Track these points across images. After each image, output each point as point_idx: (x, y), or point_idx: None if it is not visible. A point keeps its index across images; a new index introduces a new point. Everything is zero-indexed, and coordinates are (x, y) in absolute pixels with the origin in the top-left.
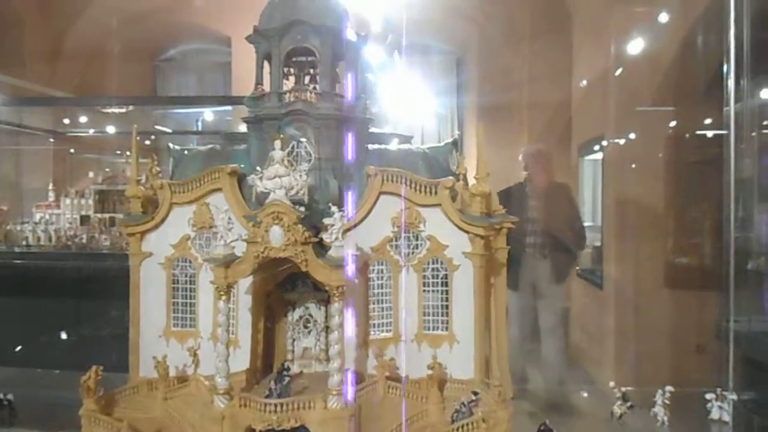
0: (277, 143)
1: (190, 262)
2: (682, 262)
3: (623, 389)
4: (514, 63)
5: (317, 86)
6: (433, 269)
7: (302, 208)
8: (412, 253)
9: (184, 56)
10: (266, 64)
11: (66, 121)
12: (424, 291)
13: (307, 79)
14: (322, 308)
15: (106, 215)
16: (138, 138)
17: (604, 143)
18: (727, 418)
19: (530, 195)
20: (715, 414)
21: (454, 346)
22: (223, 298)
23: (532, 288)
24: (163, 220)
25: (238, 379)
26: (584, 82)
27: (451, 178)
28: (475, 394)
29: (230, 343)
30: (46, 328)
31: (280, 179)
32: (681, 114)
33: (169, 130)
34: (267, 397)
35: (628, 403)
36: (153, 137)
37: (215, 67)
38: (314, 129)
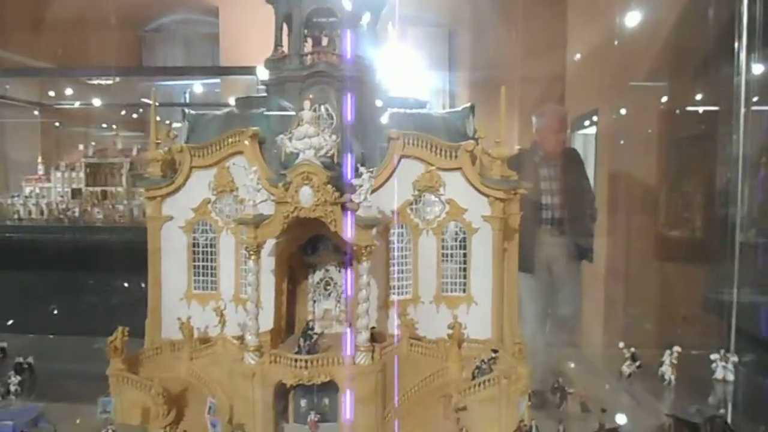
0: (307, 103)
1: (211, 225)
2: (674, 236)
3: (632, 350)
4: (506, 36)
5: (337, 48)
6: (452, 232)
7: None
8: (432, 216)
9: (170, 27)
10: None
11: (51, 93)
12: (443, 254)
13: (325, 41)
14: (342, 271)
15: (98, 188)
16: (124, 112)
17: (598, 117)
18: (730, 377)
19: (542, 163)
20: (719, 374)
21: (471, 307)
22: (253, 258)
23: (548, 269)
24: (182, 184)
25: (262, 340)
26: (578, 56)
27: (471, 141)
28: (495, 351)
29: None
30: (42, 299)
31: (309, 140)
32: (675, 89)
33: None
34: (296, 353)
35: (637, 363)
36: (141, 110)
37: (203, 38)
38: (336, 91)
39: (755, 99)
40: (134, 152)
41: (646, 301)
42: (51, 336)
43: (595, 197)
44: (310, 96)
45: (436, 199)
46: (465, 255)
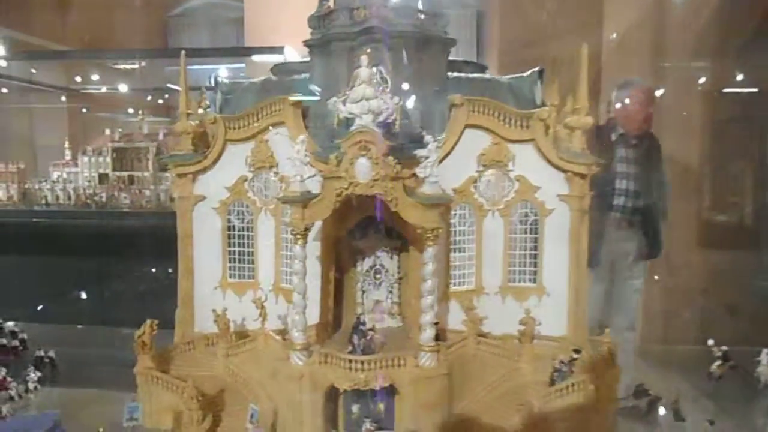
0: (364, 59)
1: (247, 206)
2: (720, 220)
3: (723, 348)
4: (538, 16)
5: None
6: (521, 214)
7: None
8: (498, 195)
9: (195, 11)
10: None
11: (78, 78)
12: (511, 238)
13: None
14: (395, 257)
15: (125, 173)
16: (150, 97)
17: None
18: None
19: (620, 142)
20: None
21: (543, 299)
22: (300, 242)
23: (610, 264)
24: (216, 160)
25: (308, 336)
26: (615, 35)
27: (546, 108)
28: (577, 352)
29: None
30: (70, 286)
31: (367, 102)
32: (717, 69)
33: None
34: (350, 353)
35: (730, 363)
36: (167, 95)
37: (227, 22)
38: (391, 51)
39: None
40: (160, 137)
41: (710, 295)
42: (76, 326)
43: (670, 191)
44: (368, 50)
45: (504, 175)
46: (536, 240)
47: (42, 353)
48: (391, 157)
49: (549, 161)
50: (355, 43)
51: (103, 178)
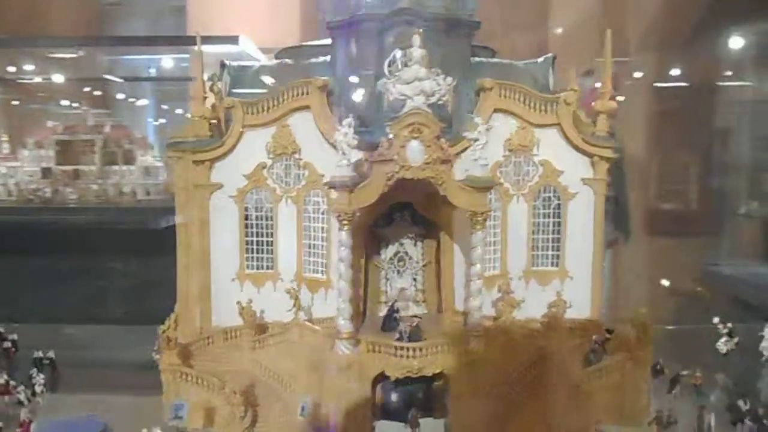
0: (416, 39)
1: (267, 194)
2: (665, 209)
3: (729, 325)
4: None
5: None
6: (544, 198)
7: None
8: (523, 180)
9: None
10: None
11: (11, 68)
12: (534, 223)
13: None
14: (419, 244)
15: (70, 167)
16: (88, 89)
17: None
18: None
19: None
20: None
21: (565, 282)
22: (346, 228)
23: None
24: (233, 146)
25: (334, 324)
26: (560, 30)
27: (572, 92)
28: (609, 332)
29: (321, 284)
30: (21, 285)
31: (419, 83)
32: (662, 63)
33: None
34: (398, 341)
35: (735, 340)
36: (105, 86)
37: (167, 12)
38: (423, 34)
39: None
40: (107, 129)
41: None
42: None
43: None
44: (420, 30)
45: (529, 159)
46: (559, 224)
47: (40, 354)
48: (443, 140)
49: (574, 145)
50: (383, 25)
51: (46, 172)
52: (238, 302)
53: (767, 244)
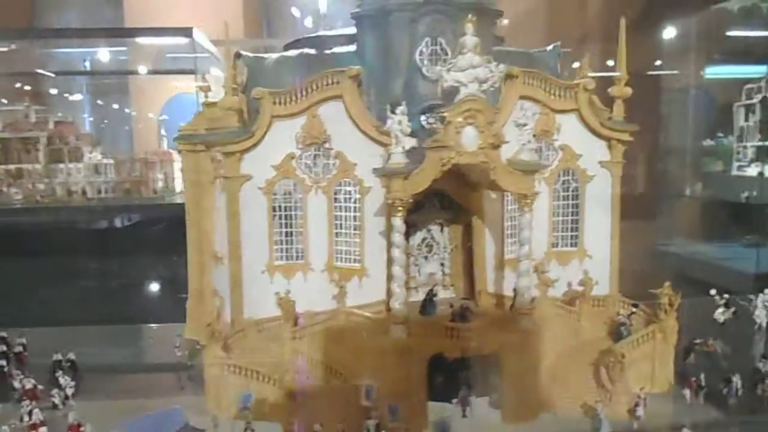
0: (469, 27)
1: (296, 184)
2: None
3: (726, 296)
4: None
5: None
6: (564, 181)
7: None
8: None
9: None
10: None
11: None
12: (555, 205)
13: None
14: (445, 230)
15: (12, 166)
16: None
17: None
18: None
19: None
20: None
21: (585, 261)
22: (400, 214)
23: None
24: (262, 137)
25: (376, 310)
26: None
27: (591, 79)
28: (635, 306)
29: (354, 273)
30: None
31: (473, 70)
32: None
33: (51, 74)
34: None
35: (732, 309)
36: (39, 80)
37: (101, 2)
38: (453, 23)
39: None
40: (50, 125)
41: None
42: None
43: None
44: (472, 18)
45: (550, 144)
46: (577, 206)
47: (60, 357)
48: (496, 125)
49: (592, 129)
50: (415, 14)
51: None
52: (277, 293)
53: (710, 223)
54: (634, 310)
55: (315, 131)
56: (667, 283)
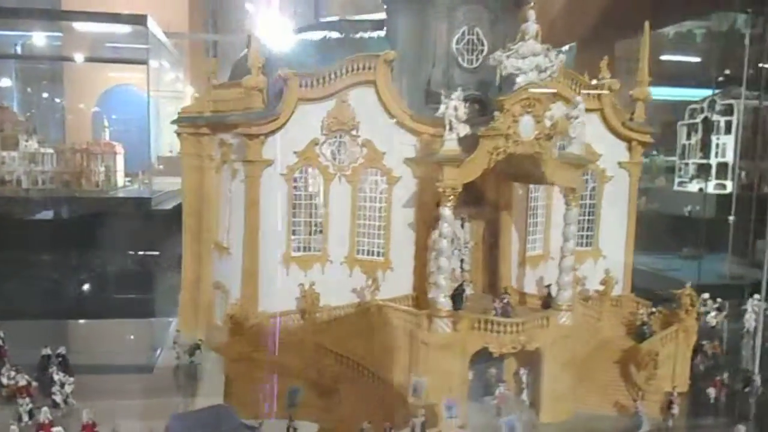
0: (531, 14)
1: (318, 172)
2: None
3: (719, 301)
4: None
5: None
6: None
7: None
8: None
9: None
10: None
11: None
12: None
13: None
14: (466, 225)
15: None
16: None
17: None
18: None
19: None
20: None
21: (599, 261)
22: (450, 203)
23: None
24: (285, 121)
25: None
26: None
27: (616, 80)
28: (655, 305)
29: (378, 266)
30: None
31: (534, 58)
32: None
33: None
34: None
35: (724, 313)
36: None
37: None
38: (490, 12)
39: None
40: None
41: None
42: None
43: None
44: (532, 4)
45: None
46: (593, 205)
47: (48, 351)
48: (551, 114)
49: (613, 130)
50: (455, 2)
51: None
52: (301, 284)
53: (653, 236)
54: (653, 310)
55: (344, 117)
56: (688, 284)
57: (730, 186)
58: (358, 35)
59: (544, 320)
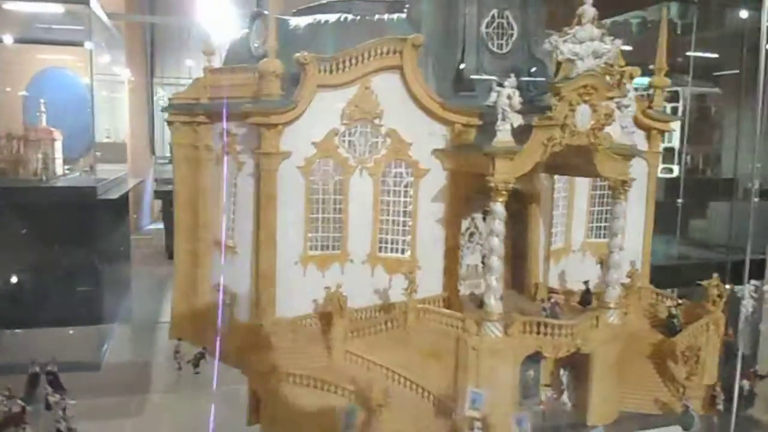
0: None
1: (338, 164)
2: None
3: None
4: None
5: None
6: None
7: None
8: None
9: None
10: None
11: None
12: (592, 195)
13: None
14: (488, 219)
15: None
16: None
17: None
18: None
19: None
20: None
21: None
22: (502, 199)
23: None
24: (303, 109)
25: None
26: None
27: (636, 68)
28: (681, 298)
29: (403, 265)
30: None
31: (591, 43)
32: None
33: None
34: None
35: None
36: None
37: None
38: None
39: None
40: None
41: None
42: None
43: None
44: None
45: None
46: (611, 196)
47: (37, 369)
48: (608, 103)
49: (634, 119)
50: None
51: None
52: (327, 287)
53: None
54: (680, 302)
55: (366, 105)
56: (715, 275)
57: (677, 170)
58: (379, 17)
59: (594, 320)
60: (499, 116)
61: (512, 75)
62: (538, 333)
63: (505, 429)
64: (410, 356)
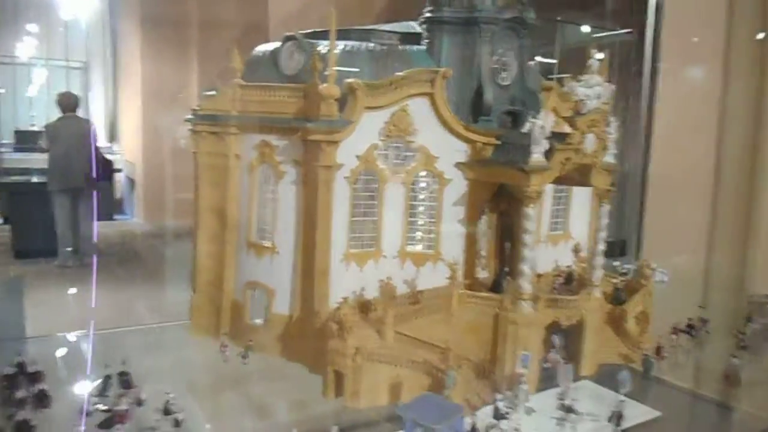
0: (599, 54)
1: (374, 174)
2: None
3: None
4: None
5: None
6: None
7: None
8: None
9: None
10: None
11: None
12: (553, 196)
13: None
14: (483, 217)
15: None
16: None
17: None
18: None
19: None
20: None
21: (569, 242)
22: (532, 205)
23: None
24: (353, 128)
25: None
26: None
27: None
28: (624, 275)
29: (428, 258)
30: None
31: (598, 87)
32: None
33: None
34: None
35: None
36: None
37: None
38: (519, 38)
39: None
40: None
41: None
42: None
43: None
44: (599, 45)
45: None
46: (566, 197)
47: (11, 370)
48: (607, 130)
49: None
50: (498, 28)
51: None
52: (381, 280)
53: None
54: (623, 279)
55: (402, 124)
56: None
57: None
58: (404, 47)
59: (587, 294)
60: (533, 141)
61: (543, 110)
62: (556, 307)
63: (534, 377)
64: (450, 334)
